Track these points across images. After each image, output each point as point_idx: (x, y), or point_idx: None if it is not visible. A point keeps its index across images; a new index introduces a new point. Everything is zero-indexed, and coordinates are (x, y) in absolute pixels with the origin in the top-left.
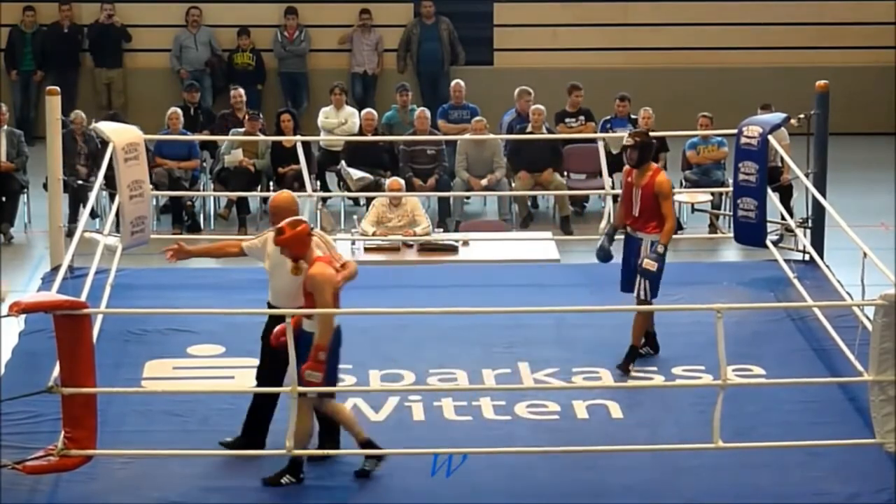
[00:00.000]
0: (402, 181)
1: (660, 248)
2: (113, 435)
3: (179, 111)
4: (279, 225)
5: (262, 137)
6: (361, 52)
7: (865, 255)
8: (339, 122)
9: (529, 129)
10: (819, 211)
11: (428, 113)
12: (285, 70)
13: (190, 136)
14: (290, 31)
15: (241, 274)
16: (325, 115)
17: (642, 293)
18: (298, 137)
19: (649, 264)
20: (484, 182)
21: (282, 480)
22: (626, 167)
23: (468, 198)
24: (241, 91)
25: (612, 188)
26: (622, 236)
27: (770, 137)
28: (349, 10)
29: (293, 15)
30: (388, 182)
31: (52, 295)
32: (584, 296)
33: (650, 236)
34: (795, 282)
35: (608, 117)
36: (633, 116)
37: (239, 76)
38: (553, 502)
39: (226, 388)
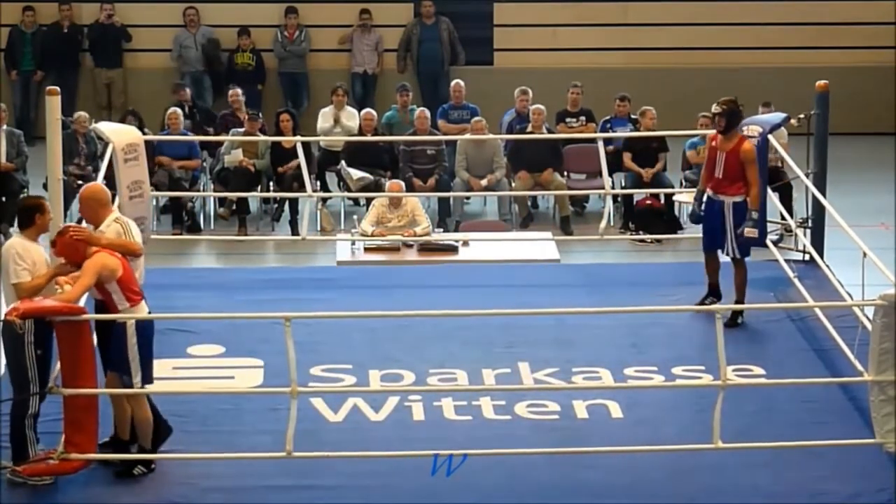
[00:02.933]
0: (403, 183)
1: (754, 215)
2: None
3: (179, 111)
4: (52, 238)
5: (261, 137)
6: (361, 52)
7: (865, 255)
8: (341, 122)
9: (529, 129)
10: (819, 211)
11: (428, 113)
12: (285, 70)
13: (190, 137)
14: (291, 30)
15: (241, 274)
16: (325, 116)
17: (735, 253)
18: (299, 138)
19: (751, 232)
20: (484, 182)
21: (134, 471)
22: (712, 133)
23: (468, 198)
24: (239, 91)
25: (612, 188)
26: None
27: (770, 137)
28: (349, 10)
29: (293, 15)
30: (388, 184)
31: (51, 300)
32: (584, 296)
33: (731, 198)
34: (795, 282)
35: (608, 117)
36: (633, 116)
37: (239, 76)
38: (553, 502)
39: (225, 388)
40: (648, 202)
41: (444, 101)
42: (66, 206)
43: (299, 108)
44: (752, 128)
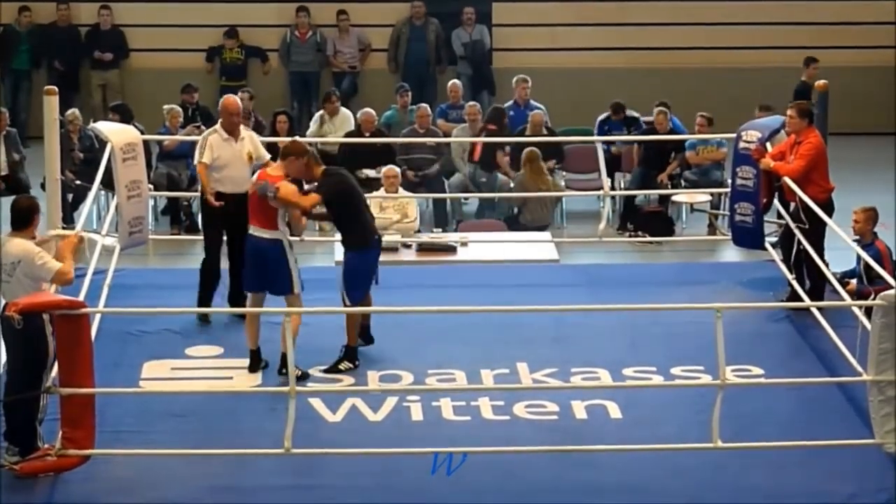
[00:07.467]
0: (398, 169)
1: None
2: (111, 435)
3: (179, 108)
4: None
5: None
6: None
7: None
8: (333, 128)
9: (528, 132)
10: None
11: (429, 110)
12: (296, 69)
13: (182, 137)
14: (302, 30)
15: None
16: (320, 121)
17: None
18: (297, 139)
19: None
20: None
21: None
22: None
23: (466, 198)
24: (248, 94)
25: (612, 188)
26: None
27: (769, 145)
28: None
29: (304, 13)
30: (384, 170)
31: (51, 295)
32: (583, 296)
33: None
34: (794, 282)
35: (604, 116)
36: (630, 115)
37: (229, 71)
38: (552, 502)
39: (224, 388)
40: (654, 209)
41: (428, 102)
42: (73, 208)
43: (310, 107)
44: (750, 133)
